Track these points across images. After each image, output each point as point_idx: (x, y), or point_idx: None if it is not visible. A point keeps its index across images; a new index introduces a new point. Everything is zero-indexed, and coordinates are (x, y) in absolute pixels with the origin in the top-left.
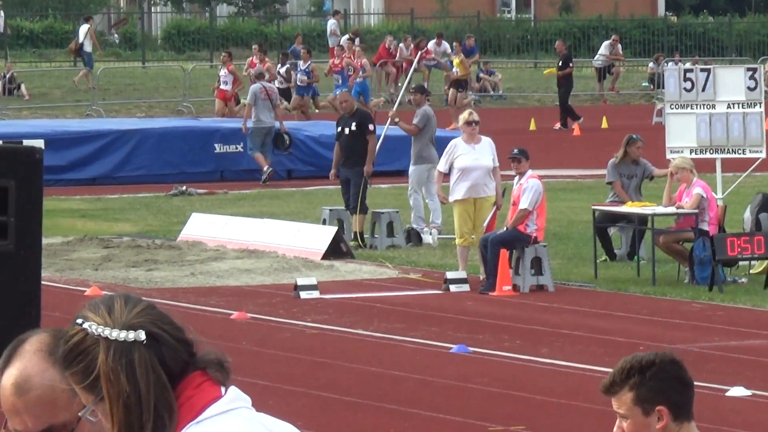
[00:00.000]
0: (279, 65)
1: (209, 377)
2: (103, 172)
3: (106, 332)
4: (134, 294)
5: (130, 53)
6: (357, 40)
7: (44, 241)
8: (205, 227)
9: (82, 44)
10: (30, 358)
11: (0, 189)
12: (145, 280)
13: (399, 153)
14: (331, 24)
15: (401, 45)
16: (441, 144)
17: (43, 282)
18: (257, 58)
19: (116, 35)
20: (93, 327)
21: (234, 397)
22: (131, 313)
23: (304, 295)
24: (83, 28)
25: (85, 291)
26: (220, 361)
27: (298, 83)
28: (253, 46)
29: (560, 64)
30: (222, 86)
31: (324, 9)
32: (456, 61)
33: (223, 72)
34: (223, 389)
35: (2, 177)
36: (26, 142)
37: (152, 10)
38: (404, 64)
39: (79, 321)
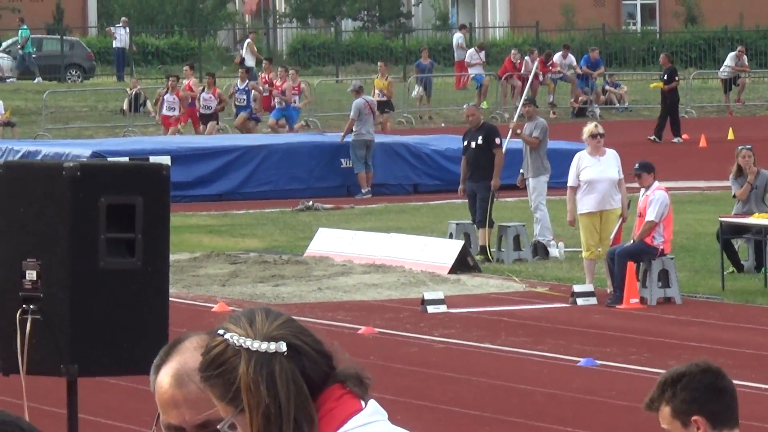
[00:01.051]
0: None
1: (349, 390)
2: (229, 188)
3: (248, 343)
4: (274, 308)
5: (258, 68)
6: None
7: (171, 257)
8: (332, 242)
9: (243, 59)
10: (191, 354)
11: (127, 206)
12: (272, 295)
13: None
14: (458, 38)
15: (527, 58)
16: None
17: (170, 298)
18: (189, 79)
19: (241, 51)
20: (234, 338)
21: (374, 410)
22: (272, 325)
23: (431, 309)
24: (246, 44)
25: (212, 307)
26: (359, 376)
27: (236, 102)
28: (185, 68)
29: (665, 77)
30: (166, 111)
31: (450, 22)
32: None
33: (170, 97)
34: (363, 402)
35: (129, 194)
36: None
37: (278, 26)
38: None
39: (221, 332)
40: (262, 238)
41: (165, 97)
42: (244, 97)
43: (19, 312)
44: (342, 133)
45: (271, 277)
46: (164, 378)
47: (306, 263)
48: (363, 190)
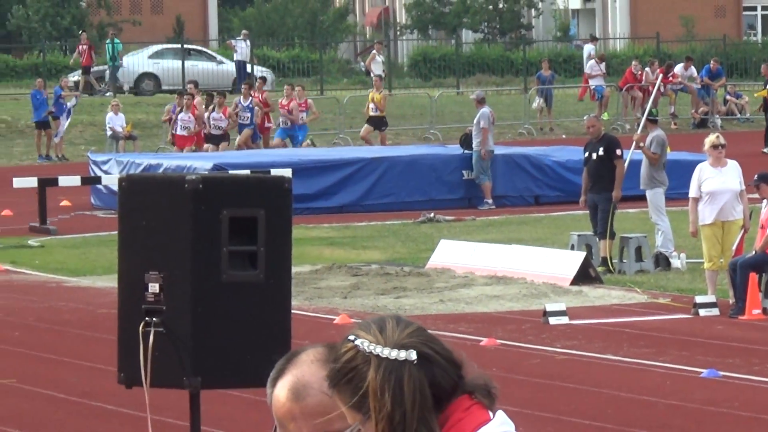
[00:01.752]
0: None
1: (477, 401)
2: (351, 200)
3: (378, 350)
4: (404, 317)
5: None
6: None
7: (293, 269)
8: (454, 254)
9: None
10: (308, 367)
11: (249, 219)
12: (394, 307)
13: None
14: (589, 49)
15: (647, 69)
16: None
17: (292, 311)
18: (194, 99)
19: (362, 63)
20: (365, 344)
21: (502, 421)
22: (403, 333)
23: (553, 321)
24: (372, 53)
25: (334, 319)
26: (487, 386)
27: (239, 120)
28: (188, 86)
29: (766, 86)
30: (180, 131)
31: (570, 34)
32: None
33: (184, 116)
34: (490, 413)
35: (251, 206)
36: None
37: (398, 38)
38: (650, 88)
39: (351, 338)
40: (384, 250)
41: (179, 116)
42: (248, 114)
43: (141, 325)
44: (480, 146)
45: (392, 289)
46: (281, 391)
47: (428, 275)
48: (488, 201)
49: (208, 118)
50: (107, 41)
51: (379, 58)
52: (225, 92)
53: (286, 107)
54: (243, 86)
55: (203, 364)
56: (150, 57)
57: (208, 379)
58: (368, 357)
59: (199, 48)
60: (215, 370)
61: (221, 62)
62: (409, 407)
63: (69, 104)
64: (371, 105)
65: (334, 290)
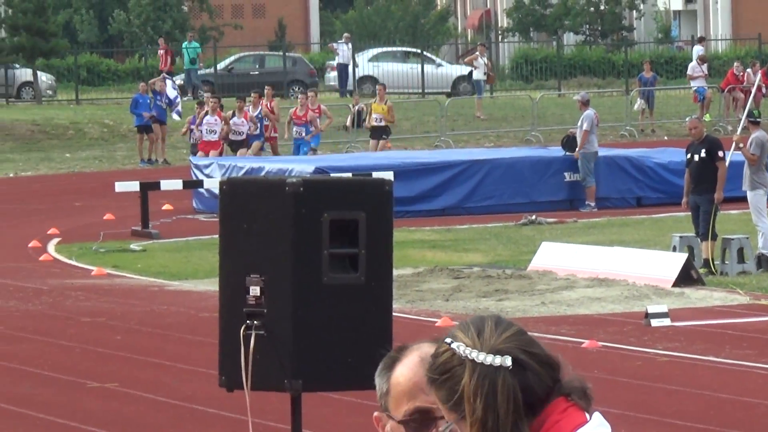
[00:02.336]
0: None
1: (574, 403)
2: (452, 203)
3: (473, 354)
4: (505, 318)
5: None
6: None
7: (394, 272)
8: (555, 256)
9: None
10: (429, 346)
11: (350, 221)
12: (495, 310)
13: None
14: (698, 50)
15: (749, 70)
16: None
17: (393, 313)
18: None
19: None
20: (461, 348)
21: (599, 423)
22: (500, 337)
23: (654, 322)
24: (479, 60)
25: (435, 322)
26: (583, 389)
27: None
28: (205, 95)
29: None
30: (207, 135)
31: (671, 35)
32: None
33: (210, 119)
34: (587, 415)
35: (352, 209)
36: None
37: (500, 40)
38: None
39: (448, 340)
40: (486, 253)
41: (205, 119)
42: (257, 124)
43: (243, 328)
44: (578, 148)
45: (494, 292)
46: (404, 369)
47: (529, 277)
48: (590, 204)
49: (228, 123)
50: (184, 44)
51: (482, 60)
52: (244, 97)
53: (303, 118)
54: (253, 95)
55: (304, 367)
56: (369, 60)
57: (309, 382)
58: (464, 361)
59: (415, 51)
60: (316, 372)
61: (440, 65)
62: (502, 413)
63: (172, 96)
64: (375, 116)
65: (435, 293)
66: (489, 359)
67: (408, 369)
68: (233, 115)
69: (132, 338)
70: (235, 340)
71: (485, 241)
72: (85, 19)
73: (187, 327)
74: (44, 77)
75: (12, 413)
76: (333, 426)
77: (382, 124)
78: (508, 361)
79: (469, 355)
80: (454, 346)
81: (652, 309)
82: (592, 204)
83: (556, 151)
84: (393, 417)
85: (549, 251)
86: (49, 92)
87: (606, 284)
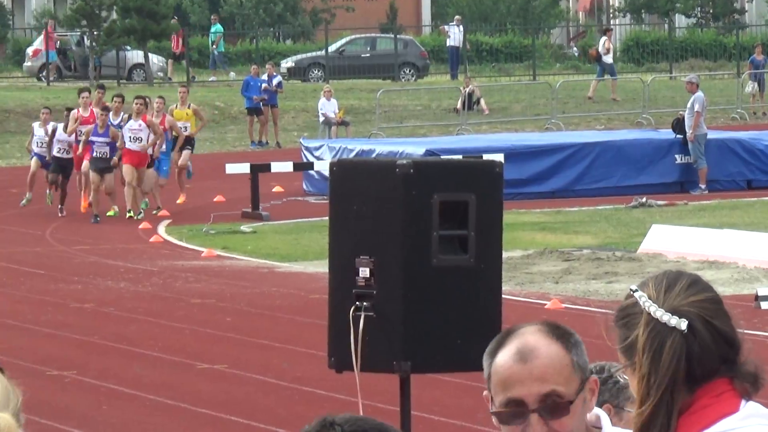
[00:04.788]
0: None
1: (734, 388)
2: (562, 185)
3: (651, 309)
4: (704, 280)
5: (589, 66)
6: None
7: (504, 254)
8: (666, 239)
9: (599, 53)
10: (531, 335)
11: (460, 203)
12: (605, 292)
13: None
14: None
15: None
16: None
17: (503, 296)
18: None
19: (575, 48)
20: (642, 299)
21: (749, 414)
22: (686, 299)
23: (765, 305)
24: (602, 40)
25: (545, 304)
26: (755, 375)
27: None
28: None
29: None
30: (129, 143)
31: None
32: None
33: (135, 124)
34: (742, 403)
35: (463, 191)
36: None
37: (611, 23)
38: None
39: (634, 288)
40: (596, 235)
41: (129, 125)
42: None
43: (352, 309)
44: (691, 130)
45: (604, 274)
46: (505, 356)
47: (639, 260)
48: (702, 186)
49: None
50: (211, 28)
51: (609, 45)
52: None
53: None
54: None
55: (413, 349)
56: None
57: (419, 364)
58: (642, 312)
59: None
60: (425, 354)
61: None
62: (661, 374)
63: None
64: (180, 124)
65: (545, 275)
66: (665, 317)
67: (506, 359)
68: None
69: (241, 320)
70: (345, 322)
71: (595, 224)
72: (196, 1)
73: (296, 309)
74: (155, 59)
75: (122, 394)
76: (442, 408)
77: (187, 132)
78: (683, 325)
79: (647, 308)
80: (637, 295)
81: (762, 292)
82: (703, 186)
83: (667, 133)
84: (493, 408)
85: (659, 234)
86: (160, 74)
87: (716, 267)
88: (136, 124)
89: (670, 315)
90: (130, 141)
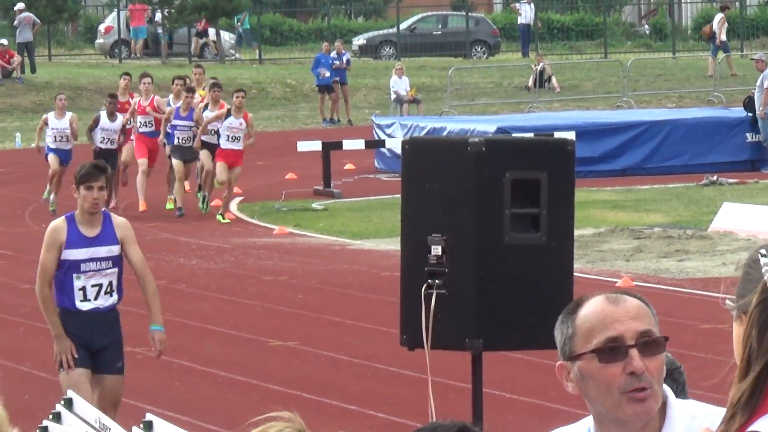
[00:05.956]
0: None
1: None
2: (633, 163)
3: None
4: None
5: (660, 44)
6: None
7: (576, 232)
8: (737, 217)
9: (714, 32)
10: (609, 293)
11: (532, 181)
12: (676, 270)
13: None
14: None
15: None
16: None
17: (574, 273)
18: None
19: (647, 26)
20: (765, 265)
21: None
22: None
23: None
24: (717, 17)
25: (616, 282)
26: None
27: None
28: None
29: None
30: (226, 143)
31: None
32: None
33: (236, 122)
34: None
35: (534, 169)
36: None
37: (682, 0)
38: None
39: (765, 253)
40: (666, 213)
41: (228, 122)
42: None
43: (424, 287)
44: (762, 108)
45: (675, 252)
46: (591, 307)
47: (710, 238)
48: None
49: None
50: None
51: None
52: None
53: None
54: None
55: (485, 326)
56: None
57: (490, 341)
58: (761, 277)
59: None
60: (497, 331)
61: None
62: (766, 347)
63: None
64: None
65: (616, 253)
66: None
67: (595, 306)
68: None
69: (313, 297)
70: (417, 299)
71: (666, 202)
72: None
73: (368, 286)
74: (227, 37)
75: (194, 371)
76: (513, 385)
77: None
78: None
79: (765, 276)
80: (764, 260)
81: None
82: None
83: (738, 111)
84: (583, 352)
85: (730, 212)
86: (232, 52)
87: None
88: (237, 123)
89: None
90: (228, 140)
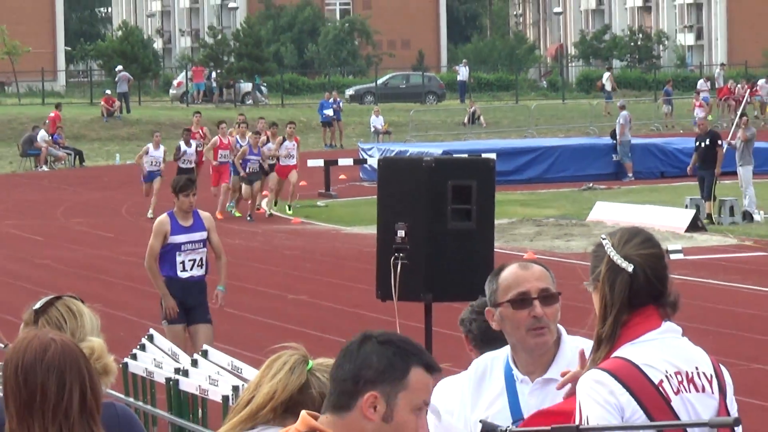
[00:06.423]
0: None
1: (658, 312)
2: (536, 174)
3: (611, 253)
4: (655, 238)
5: (554, 94)
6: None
7: (496, 222)
8: (605, 211)
9: (604, 85)
10: (522, 260)
11: (466, 186)
12: (564, 247)
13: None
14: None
15: (738, 85)
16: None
17: (495, 249)
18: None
19: (545, 81)
20: (608, 246)
21: (667, 329)
22: (636, 249)
23: (672, 257)
24: (606, 75)
25: (523, 255)
26: (674, 303)
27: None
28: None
29: None
30: (284, 160)
31: (686, 61)
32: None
33: (290, 144)
34: (663, 322)
35: (468, 178)
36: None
37: (569, 64)
38: (740, 99)
39: (605, 236)
40: (558, 209)
41: (285, 145)
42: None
43: (392, 258)
44: (619, 137)
45: (563, 235)
46: (509, 270)
47: (587, 226)
48: (629, 175)
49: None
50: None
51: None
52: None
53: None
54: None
55: (434, 285)
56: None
57: (437, 295)
58: (606, 253)
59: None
60: (442, 288)
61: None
62: (615, 299)
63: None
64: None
65: (523, 236)
66: (618, 261)
67: (511, 270)
68: (284, 140)
69: (318, 265)
70: (387, 267)
71: (558, 201)
72: (288, 48)
73: (355, 258)
74: (261, 88)
75: (235, 315)
76: (454, 326)
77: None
78: (629, 268)
79: (609, 252)
80: (604, 242)
81: (670, 247)
82: (630, 175)
83: (606, 140)
84: (502, 301)
85: (601, 208)
86: (263, 99)
87: None
88: (291, 144)
89: (622, 260)
90: (285, 158)
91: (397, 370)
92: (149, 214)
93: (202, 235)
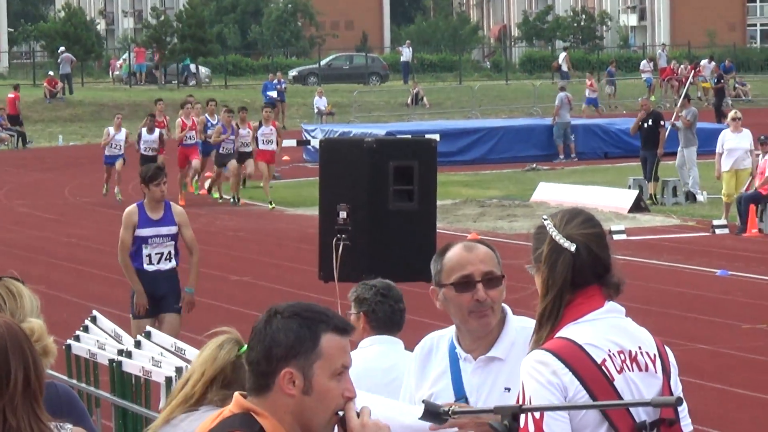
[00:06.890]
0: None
1: (602, 293)
2: (479, 155)
3: (554, 233)
4: (596, 218)
5: (498, 74)
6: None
7: (439, 202)
8: (549, 192)
9: (560, 65)
10: (467, 241)
11: (408, 167)
12: (508, 228)
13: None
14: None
15: (681, 66)
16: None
17: (438, 230)
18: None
19: (488, 62)
20: (549, 226)
21: (609, 309)
22: (578, 230)
23: (615, 237)
24: (562, 55)
25: (467, 236)
26: (617, 284)
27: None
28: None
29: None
30: (262, 146)
31: (629, 42)
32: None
33: (267, 129)
34: (606, 302)
35: (410, 159)
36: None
37: (512, 45)
38: (683, 80)
39: (546, 217)
40: (501, 189)
41: (261, 130)
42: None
43: (334, 239)
44: (554, 117)
45: (507, 216)
46: (454, 252)
47: (531, 206)
48: (561, 157)
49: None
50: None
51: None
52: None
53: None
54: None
55: (376, 265)
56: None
57: (380, 276)
58: (548, 234)
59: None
60: (385, 269)
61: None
62: (557, 279)
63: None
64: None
65: (467, 216)
66: (561, 240)
67: (455, 251)
68: (260, 125)
69: (262, 246)
70: (330, 248)
71: (501, 182)
72: (232, 30)
73: (298, 238)
74: (203, 70)
75: None
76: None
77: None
78: (572, 248)
79: (551, 232)
80: (546, 223)
81: (613, 227)
82: (561, 156)
83: (548, 120)
84: (446, 283)
85: (544, 189)
86: (206, 80)
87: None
88: (267, 129)
89: (565, 239)
90: (263, 143)
91: (307, 341)
92: (117, 199)
93: (171, 229)
